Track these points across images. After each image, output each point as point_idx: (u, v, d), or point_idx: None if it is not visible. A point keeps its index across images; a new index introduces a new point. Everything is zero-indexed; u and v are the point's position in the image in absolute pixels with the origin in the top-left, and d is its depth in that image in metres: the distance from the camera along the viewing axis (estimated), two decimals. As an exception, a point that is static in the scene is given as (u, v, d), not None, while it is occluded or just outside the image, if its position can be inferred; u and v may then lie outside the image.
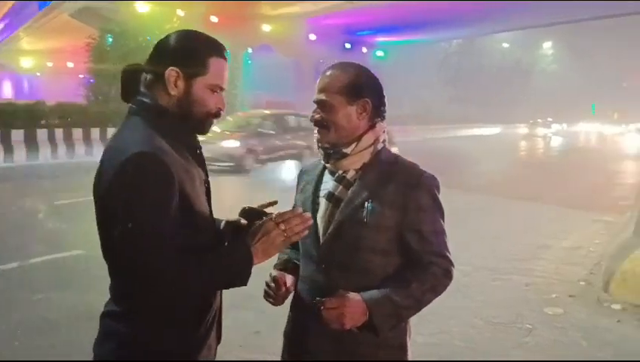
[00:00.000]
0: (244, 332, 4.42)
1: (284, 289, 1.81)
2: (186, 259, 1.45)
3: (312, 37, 35.66)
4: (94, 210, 1.54)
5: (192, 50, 1.58)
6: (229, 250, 1.60)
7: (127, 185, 1.41)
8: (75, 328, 4.40)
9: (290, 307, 1.92)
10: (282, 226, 1.54)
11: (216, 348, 1.74)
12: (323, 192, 1.81)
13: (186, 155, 1.57)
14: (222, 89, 1.62)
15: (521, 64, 66.05)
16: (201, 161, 1.66)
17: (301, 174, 1.98)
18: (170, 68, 1.55)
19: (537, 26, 44.81)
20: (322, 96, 1.75)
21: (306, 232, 1.57)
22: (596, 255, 6.87)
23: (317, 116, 1.77)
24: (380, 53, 41.08)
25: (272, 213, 1.63)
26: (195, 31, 1.64)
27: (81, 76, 25.47)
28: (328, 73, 1.78)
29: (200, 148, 1.67)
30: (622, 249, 5.82)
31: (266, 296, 1.84)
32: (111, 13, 24.62)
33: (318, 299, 1.64)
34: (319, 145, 1.81)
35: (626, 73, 73.06)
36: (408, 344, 1.82)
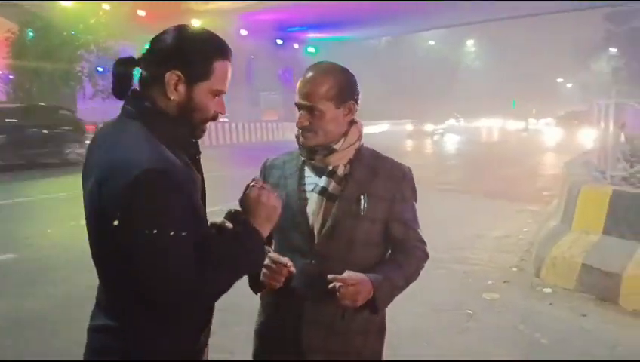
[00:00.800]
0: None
1: (285, 269, 1.75)
2: (206, 266, 1.40)
3: (244, 32, 35.37)
4: (85, 215, 1.47)
5: (196, 53, 1.46)
6: (237, 238, 1.50)
7: (142, 205, 1.33)
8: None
9: (264, 305, 1.92)
10: (266, 186, 1.53)
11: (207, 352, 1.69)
12: (310, 187, 1.83)
13: (187, 162, 1.50)
14: (224, 93, 1.53)
15: (446, 61, 68.24)
16: (199, 167, 1.58)
17: (269, 168, 1.95)
18: (172, 71, 1.43)
19: (460, 25, 46.44)
20: (309, 103, 1.75)
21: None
22: (525, 242, 7.26)
23: (306, 123, 1.77)
24: (311, 50, 41.28)
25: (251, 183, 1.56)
26: (198, 28, 1.54)
27: (-1, 72, 24.11)
28: (311, 77, 1.76)
29: (200, 153, 1.58)
30: (550, 236, 6.17)
31: (267, 277, 1.75)
32: (33, 7, 23.41)
33: (332, 275, 1.67)
34: (302, 140, 1.80)
35: (543, 69, 76.76)
36: (385, 328, 1.94)
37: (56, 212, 9.48)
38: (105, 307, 1.48)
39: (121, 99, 1.51)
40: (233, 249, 1.48)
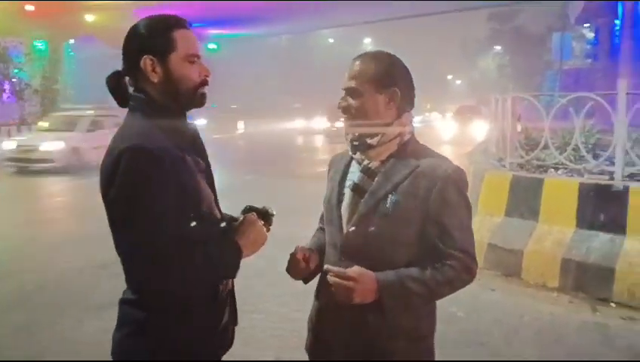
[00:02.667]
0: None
1: (302, 263, 1.82)
2: (183, 248, 1.51)
3: (141, 29, 34.18)
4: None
5: (153, 31, 1.59)
6: (218, 245, 1.62)
7: (122, 177, 1.48)
8: None
9: (315, 294, 1.93)
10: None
11: (233, 330, 1.82)
12: (348, 183, 1.79)
13: (183, 146, 1.61)
14: (198, 57, 1.64)
15: (346, 59, 69.43)
16: (200, 151, 1.70)
17: (331, 163, 1.96)
18: (144, 57, 1.57)
19: (357, 24, 47.70)
20: (352, 84, 1.73)
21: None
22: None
23: (344, 103, 1.75)
24: (212, 46, 40.65)
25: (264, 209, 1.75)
26: (148, 17, 1.66)
27: None
28: (359, 61, 1.75)
29: (198, 137, 1.71)
30: (482, 225, 6.60)
31: (287, 269, 1.85)
32: None
33: (327, 266, 1.68)
34: (346, 134, 1.79)
35: (435, 66, 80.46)
36: (430, 337, 1.80)
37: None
38: (126, 280, 1.62)
39: (125, 107, 1.66)
40: (213, 251, 1.59)
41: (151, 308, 1.58)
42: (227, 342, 1.79)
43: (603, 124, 6.96)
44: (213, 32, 40.14)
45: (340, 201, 1.80)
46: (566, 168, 5.97)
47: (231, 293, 1.79)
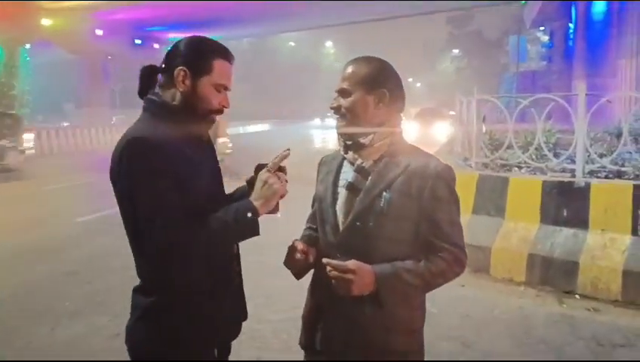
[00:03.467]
0: (104, 335, 4.33)
1: (299, 255, 1.87)
2: (191, 222, 1.60)
3: (99, 32, 33.54)
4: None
5: (198, 52, 1.75)
6: (232, 206, 1.70)
7: (126, 165, 1.62)
8: None
9: (308, 291, 1.99)
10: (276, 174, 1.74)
11: (239, 323, 1.93)
12: (342, 182, 1.86)
13: (190, 145, 1.74)
14: (226, 88, 1.80)
15: (308, 62, 69.96)
16: (209, 151, 1.84)
17: (321, 165, 2.02)
18: (180, 67, 1.72)
19: (318, 27, 47.87)
20: (343, 85, 1.82)
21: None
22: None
23: (335, 103, 1.84)
24: (171, 50, 40.22)
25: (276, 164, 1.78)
26: (204, 37, 1.81)
27: None
28: (352, 64, 1.85)
29: (206, 139, 1.84)
30: None
31: (285, 262, 1.91)
32: None
33: (325, 260, 1.72)
34: (339, 135, 1.86)
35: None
36: (421, 330, 1.88)
37: None
38: (138, 271, 1.76)
39: (142, 98, 1.81)
40: (228, 214, 1.67)
41: (157, 293, 1.70)
42: (232, 334, 1.90)
43: (561, 124, 7.22)
44: (173, 35, 39.71)
45: (334, 200, 1.86)
46: (529, 167, 6.18)
47: (238, 286, 1.90)
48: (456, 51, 67.84)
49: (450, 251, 1.75)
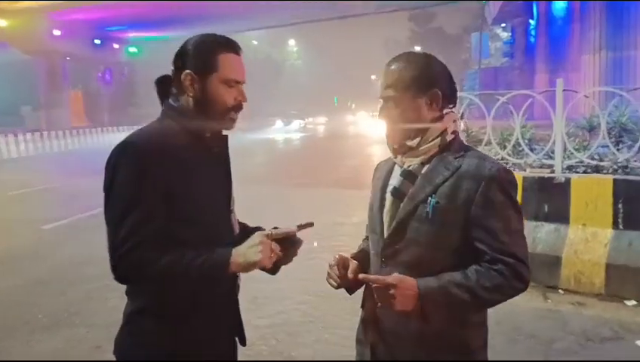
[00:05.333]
0: (83, 348, 4.15)
1: (338, 270, 1.78)
2: (158, 243, 1.52)
3: (57, 32, 32.64)
4: None
5: (201, 52, 1.66)
6: (208, 250, 1.59)
7: (110, 170, 1.57)
8: None
9: (361, 304, 1.87)
10: (272, 244, 1.61)
11: (231, 344, 1.82)
12: (390, 188, 1.74)
13: (195, 151, 1.65)
14: (238, 82, 1.68)
15: (271, 61, 69.67)
16: (220, 159, 1.73)
17: (375, 170, 1.91)
18: (185, 72, 1.64)
19: (279, 26, 47.73)
20: (389, 92, 1.67)
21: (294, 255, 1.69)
22: (381, 226, 7.86)
23: (384, 113, 1.70)
24: (132, 50, 39.49)
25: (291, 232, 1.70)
26: (206, 34, 1.70)
27: None
28: (394, 67, 1.68)
29: (219, 145, 1.72)
30: None
31: (327, 276, 1.82)
32: None
33: (362, 275, 1.61)
34: (387, 138, 1.73)
35: (359, 67, 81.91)
36: (481, 351, 1.71)
37: None
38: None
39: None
40: (198, 258, 1.56)
41: (138, 299, 1.66)
42: (220, 352, 1.76)
43: (534, 120, 7.32)
44: (133, 35, 39.02)
45: (381, 207, 1.75)
46: (507, 163, 6.21)
47: (227, 305, 1.78)
48: (418, 48, 68.53)
49: (506, 263, 1.55)
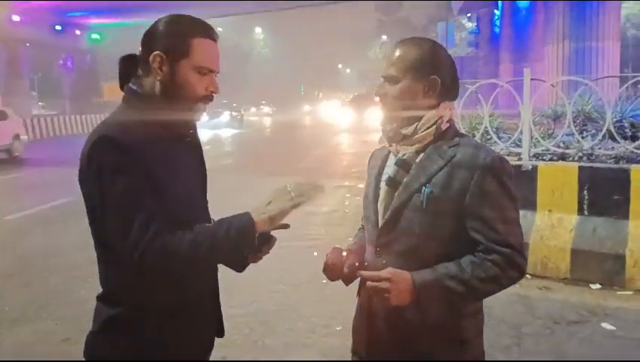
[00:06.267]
0: (52, 341, 4.07)
1: (332, 263, 1.75)
2: (175, 233, 1.42)
3: (16, 18, 31.55)
4: None
5: (173, 33, 1.53)
6: (225, 219, 1.52)
7: (92, 168, 1.44)
8: None
9: (357, 293, 1.85)
10: (293, 193, 1.54)
11: (211, 339, 1.74)
12: (384, 176, 1.72)
13: (170, 142, 1.54)
14: (212, 71, 1.56)
15: (239, 48, 68.96)
16: (192, 149, 1.64)
17: (370, 159, 1.87)
18: (154, 53, 1.51)
19: (245, 13, 47.15)
20: (390, 71, 1.65)
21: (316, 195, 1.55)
22: (351, 214, 7.93)
23: (382, 91, 1.68)
24: (95, 36, 38.45)
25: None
26: (181, 14, 1.58)
27: None
28: (400, 47, 1.67)
29: (191, 135, 1.63)
30: None
31: (323, 269, 1.79)
32: None
33: (361, 272, 1.61)
34: (382, 125, 1.72)
35: (325, 56, 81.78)
36: (476, 339, 1.69)
37: None
38: (100, 278, 1.59)
39: (122, 90, 1.61)
40: (220, 225, 1.49)
41: (123, 305, 1.52)
42: (203, 350, 1.71)
43: (497, 109, 7.43)
44: (96, 21, 38.02)
45: (376, 196, 1.73)
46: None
47: (212, 298, 1.72)
48: (385, 38, 68.76)
49: (502, 254, 1.54)
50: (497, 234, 1.55)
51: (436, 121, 1.65)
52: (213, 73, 1.57)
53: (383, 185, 1.71)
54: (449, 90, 1.67)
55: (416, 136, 1.65)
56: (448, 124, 1.67)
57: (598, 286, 4.88)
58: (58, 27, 35.16)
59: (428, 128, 1.64)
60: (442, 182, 1.59)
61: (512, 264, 1.55)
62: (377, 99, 1.70)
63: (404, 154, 1.67)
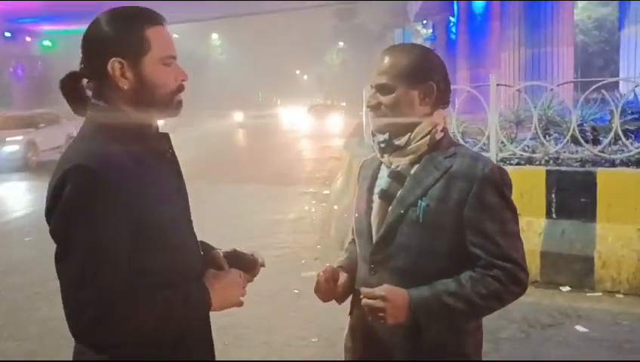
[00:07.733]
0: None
1: (325, 283, 1.67)
2: (137, 293, 1.28)
3: (-39, 24, 30.45)
4: None
5: (125, 30, 1.35)
6: (187, 289, 1.39)
7: (63, 202, 1.25)
8: None
9: (349, 312, 1.78)
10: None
11: None
12: (377, 189, 1.63)
13: (147, 163, 1.37)
14: (174, 58, 1.41)
15: (195, 55, 68.18)
16: (171, 167, 1.47)
17: (361, 169, 1.79)
18: (112, 60, 1.33)
19: (201, 20, 46.78)
20: (382, 79, 1.56)
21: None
22: (319, 221, 7.86)
23: (374, 101, 1.59)
24: (47, 43, 37.41)
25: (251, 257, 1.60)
26: (117, 8, 1.39)
27: None
28: (389, 54, 1.59)
29: (170, 151, 1.46)
30: (345, 211, 6.77)
31: (315, 289, 1.70)
32: None
33: (363, 289, 1.51)
34: (373, 135, 1.64)
35: (283, 62, 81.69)
36: (474, 356, 1.62)
37: None
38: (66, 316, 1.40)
39: (83, 115, 1.40)
40: (177, 296, 1.36)
41: (97, 355, 1.34)
42: None
43: (462, 113, 7.50)
44: (48, 28, 37.01)
45: (369, 210, 1.64)
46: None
47: (202, 332, 1.53)
48: (341, 44, 69.30)
49: (504, 269, 1.47)
50: (499, 249, 1.49)
51: (430, 131, 1.57)
52: (175, 60, 1.42)
53: (375, 198, 1.63)
54: (443, 95, 1.61)
55: (410, 146, 1.57)
56: (442, 133, 1.60)
57: (568, 288, 4.93)
58: (7, 34, 34.07)
59: (422, 138, 1.57)
60: (439, 195, 1.52)
61: (514, 279, 1.50)
62: (367, 110, 1.63)
63: (398, 166, 1.59)
